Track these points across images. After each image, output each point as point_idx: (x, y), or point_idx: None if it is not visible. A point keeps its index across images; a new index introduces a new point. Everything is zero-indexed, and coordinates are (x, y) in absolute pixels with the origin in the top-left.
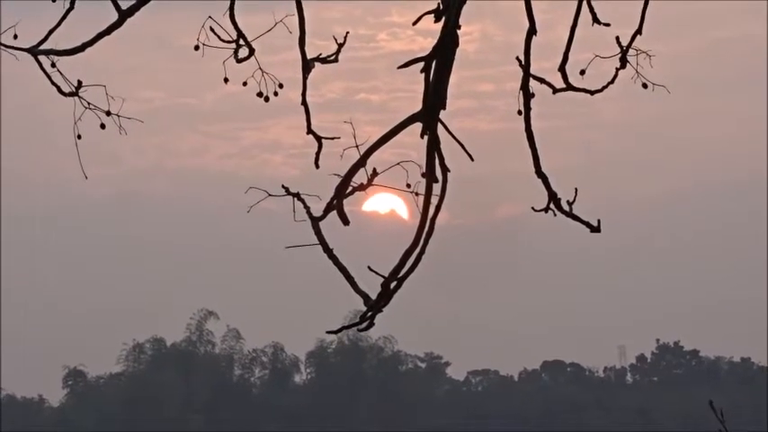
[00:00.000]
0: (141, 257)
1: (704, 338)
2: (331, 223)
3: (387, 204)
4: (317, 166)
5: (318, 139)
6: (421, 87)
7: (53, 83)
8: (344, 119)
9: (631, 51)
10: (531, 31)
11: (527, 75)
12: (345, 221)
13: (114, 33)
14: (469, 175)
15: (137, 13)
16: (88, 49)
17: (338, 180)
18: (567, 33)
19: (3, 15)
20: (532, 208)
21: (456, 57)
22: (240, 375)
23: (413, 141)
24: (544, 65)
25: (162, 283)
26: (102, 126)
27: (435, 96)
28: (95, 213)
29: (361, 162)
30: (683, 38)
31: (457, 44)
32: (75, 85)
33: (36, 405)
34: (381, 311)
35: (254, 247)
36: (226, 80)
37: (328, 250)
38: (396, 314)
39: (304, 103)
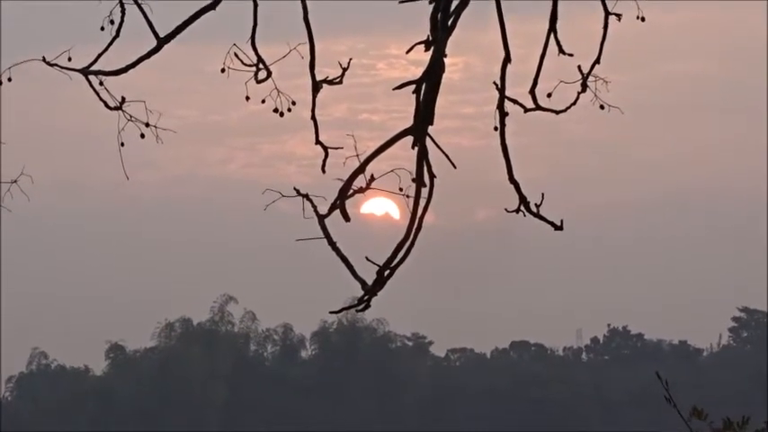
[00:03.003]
0: (174, 249)
1: (648, 324)
2: (335, 221)
3: (382, 207)
4: (324, 172)
5: (325, 149)
6: (413, 109)
7: (101, 98)
8: (348, 134)
9: (591, 78)
10: (507, 59)
11: (502, 96)
12: (347, 218)
13: (153, 59)
14: (453, 182)
15: (172, 41)
16: (131, 72)
17: (341, 184)
18: (538, 63)
19: (59, 42)
20: (505, 209)
21: (443, 83)
22: (255, 351)
23: (405, 154)
24: (518, 90)
25: (190, 272)
26: (142, 135)
27: (424, 113)
28: (137, 212)
29: (361, 169)
30: (636, 69)
31: (443, 70)
32: (120, 100)
33: (82, 374)
34: (376, 295)
35: (269, 242)
36: (247, 98)
37: (332, 243)
38: (388, 300)
39: (313, 118)
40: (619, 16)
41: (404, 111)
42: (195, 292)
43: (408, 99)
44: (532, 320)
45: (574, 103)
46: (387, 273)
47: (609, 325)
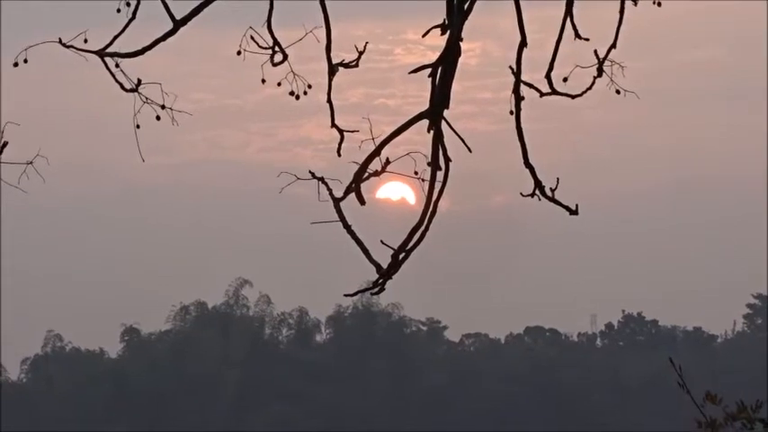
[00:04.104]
0: (189, 233)
1: (663, 310)
2: (350, 204)
3: (398, 192)
4: (339, 155)
5: (341, 131)
6: (429, 93)
7: (117, 80)
8: (363, 117)
9: (607, 63)
10: (523, 42)
11: (518, 80)
12: (362, 202)
13: (169, 42)
14: (468, 167)
15: (189, 24)
16: (147, 54)
17: (357, 167)
18: (554, 48)
19: (74, 23)
20: (521, 193)
21: (459, 69)
22: (270, 334)
23: (420, 138)
24: (534, 75)
25: (206, 255)
26: (158, 118)
27: (440, 97)
28: (153, 195)
29: (376, 152)
30: (650, 55)
31: (459, 54)
32: (136, 82)
33: (97, 356)
34: (391, 279)
35: (284, 225)
36: (263, 81)
37: (347, 226)
38: (402, 285)
39: (329, 101)
40: (635, 0)
41: (420, 96)
42: (210, 276)
43: (425, 85)
44: (547, 306)
45: (590, 88)
46: (401, 256)
47: (623, 311)
